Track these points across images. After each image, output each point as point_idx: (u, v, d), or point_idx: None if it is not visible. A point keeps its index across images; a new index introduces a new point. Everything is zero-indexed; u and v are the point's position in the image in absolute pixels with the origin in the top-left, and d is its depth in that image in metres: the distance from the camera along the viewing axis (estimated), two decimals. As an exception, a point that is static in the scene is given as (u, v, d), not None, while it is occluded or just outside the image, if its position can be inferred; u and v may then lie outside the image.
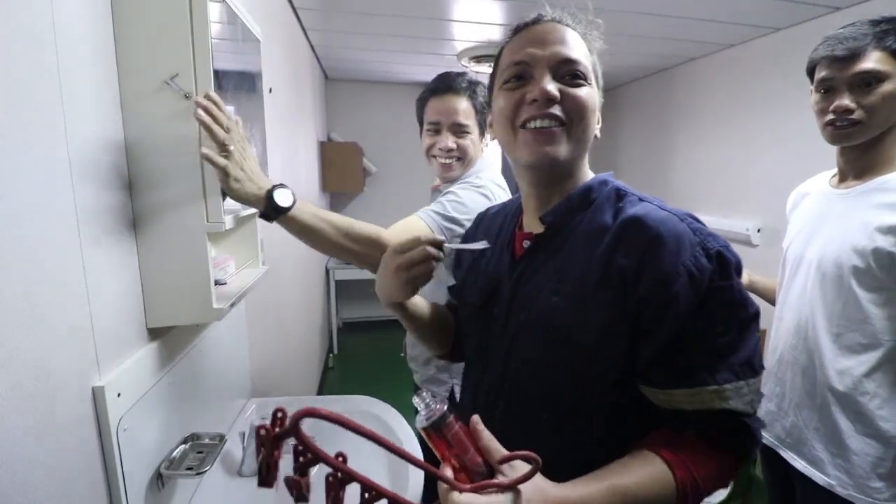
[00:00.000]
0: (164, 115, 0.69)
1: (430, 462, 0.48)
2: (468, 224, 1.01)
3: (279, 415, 0.39)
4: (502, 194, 1.20)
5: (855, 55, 0.89)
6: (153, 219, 0.71)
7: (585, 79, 0.61)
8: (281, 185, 0.77)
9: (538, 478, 0.49)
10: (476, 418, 0.52)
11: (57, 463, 0.54)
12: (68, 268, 0.57)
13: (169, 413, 0.79)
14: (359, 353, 3.58)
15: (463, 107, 1.18)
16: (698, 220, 0.58)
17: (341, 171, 3.44)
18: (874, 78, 0.88)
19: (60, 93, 0.56)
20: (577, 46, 0.61)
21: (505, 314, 0.66)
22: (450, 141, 1.18)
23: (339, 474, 0.41)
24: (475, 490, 0.47)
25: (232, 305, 0.80)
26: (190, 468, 0.76)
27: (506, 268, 0.69)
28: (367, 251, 0.89)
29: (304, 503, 0.40)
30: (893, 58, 0.87)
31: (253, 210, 0.91)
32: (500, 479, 0.47)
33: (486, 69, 3.05)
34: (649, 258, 0.54)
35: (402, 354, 1.41)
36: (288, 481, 0.39)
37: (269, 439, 0.37)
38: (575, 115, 0.60)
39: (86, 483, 0.60)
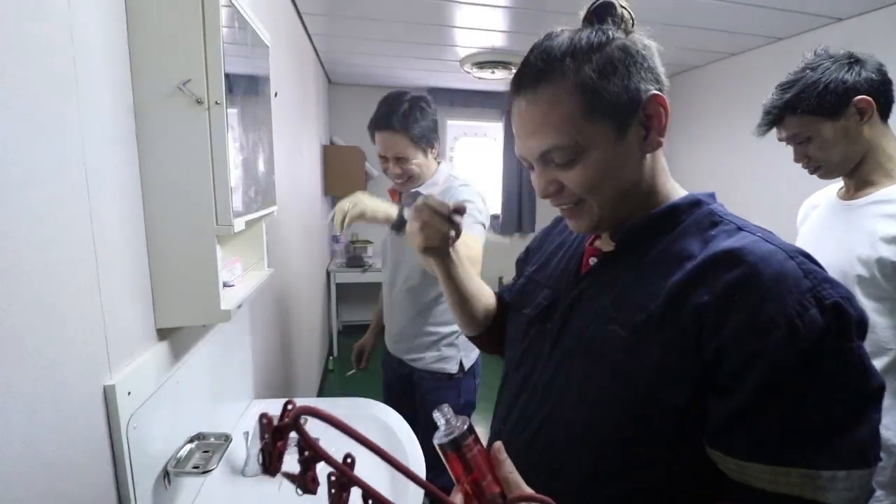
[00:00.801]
0: (176, 120, 0.71)
1: (439, 475, 0.46)
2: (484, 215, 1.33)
3: (288, 406, 0.39)
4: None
5: (776, 125, 0.99)
6: (163, 221, 0.73)
7: (575, 155, 0.52)
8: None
9: None
10: (498, 445, 0.46)
11: (68, 460, 0.55)
12: (81, 270, 0.58)
13: (176, 412, 0.80)
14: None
15: (401, 142, 1.35)
16: (814, 260, 0.48)
17: (343, 174, 3.46)
18: (802, 138, 0.96)
19: (77, 101, 0.57)
20: (552, 122, 0.52)
21: (556, 332, 0.61)
22: (397, 169, 1.38)
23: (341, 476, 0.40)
24: None
25: (239, 307, 0.81)
26: (196, 467, 0.77)
27: (568, 283, 0.64)
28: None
29: (311, 494, 0.41)
30: (808, 114, 0.93)
31: (260, 213, 0.93)
32: None
33: (488, 75, 3.08)
34: (739, 300, 0.45)
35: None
36: (287, 475, 0.38)
37: (269, 429, 0.38)
38: (582, 192, 0.55)
39: (96, 480, 0.61)
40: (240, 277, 0.93)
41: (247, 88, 0.89)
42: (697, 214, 0.56)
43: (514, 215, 4.32)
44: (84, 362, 0.59)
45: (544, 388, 0.60)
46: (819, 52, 0.96)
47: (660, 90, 0.53)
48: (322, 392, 2.96)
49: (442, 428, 0.46)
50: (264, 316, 1.53)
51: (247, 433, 1.00)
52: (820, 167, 0.99)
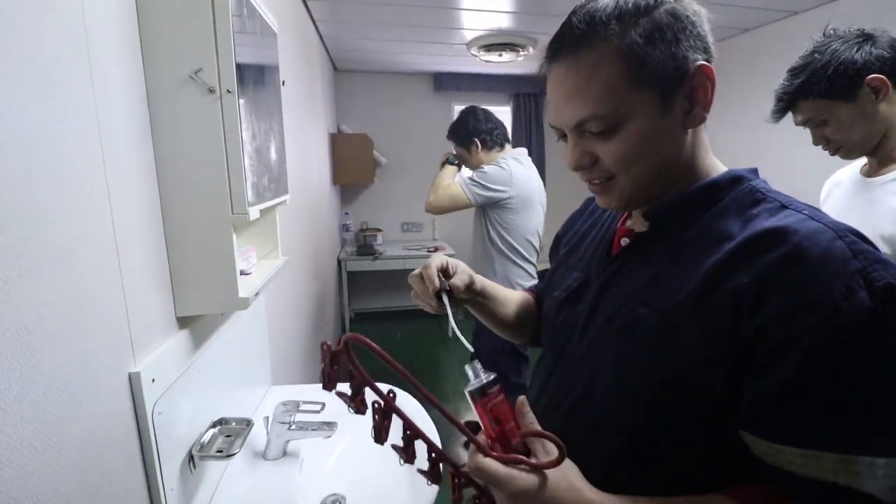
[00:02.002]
0: (188, 109, 0.71)
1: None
2: (493, 187, 1.82)
3: (342, 336, 0.47)
4: (515, 164, 1.88)
5: (790, 110, 0.98)
6: (180, 211, 0.73)
7: (614, 125, 0.50)
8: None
9: (574, 474, 0.47)
10: (522, 399, 0.50)
11: (98, 446, 0.57)
12: (104, 260, 0.59)
13: (198, 398, 0.82)
14: (371, 343, 3.63)
15: (454, 148, 2.04)
16: (865, 239, 0.45)
17: (352, 162, 3.46)
18: (818, 121, 0.94)
19: (93, 92, 0.58)
20: (593, 90, 0.50)
21: (586, 315, 0.60)
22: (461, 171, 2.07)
23: (383, 405, 0.49)
24: (501, 460, 0.47)
25: (256, 295, 0.82)
26: (220, 451, 0.79)
27: (599, 265, 0.62)
28: None
29: (360, 415, 0.50)
30: (821, 98, 0.92)
31: (274, 202, 0.94)
32: (531, 459, 0.47)
33: (495, 58, 3.04)
34: (780, 279, 0.43)
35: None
36: (341, 394, 0.49)
37: (327, 354, 0.47)
38: (616, 167, 0.53)
39: (125, 467, 0.63)
40: (255, 266, 0.94)
41: (257, 77, 0.88)
42: (738, 192, 0.53)
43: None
44: (111, 350, 0.60)
45: (576, 369, 0.59)
46: (828, 33, 0.94)
47: (707, 60, 0.50)
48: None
49: (471, 379, 0.51)
50: (279, 304, 1.55)
51: (267, 418, 1.03)
52: (840, 148, 0.98)
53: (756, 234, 0.47)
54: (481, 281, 0.77)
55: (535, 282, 0.88)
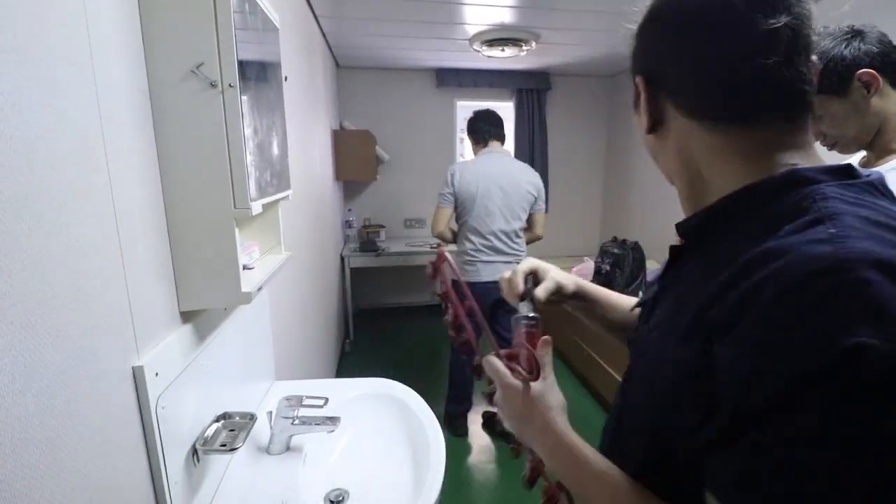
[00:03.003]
0: (190, 104, 0.71)
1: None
2: (442, 191, 2.23)
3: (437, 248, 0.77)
4: (469, 164, 2.27)
5: None
6: (183, 205, 0.74)
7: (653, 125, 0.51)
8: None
9: (554, 398, 0.55)
10: (547, 338, 0.59)
11: (102, 440, 0.57)
12: (106, 253, 0.59)
13: (201, 392, 0.82)
14: (374, 339, 3.63)
15: None
16: None
17: (354, 159, 3.45)
18: (814, 117, 0.94)
19: (95, 85, 0.58)
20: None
21: (643, 330, 0.57)
22: None
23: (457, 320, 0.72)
24: (503, 362, 0.59)
25: (259, 290, 0.82)
26: (223, 445, 0.79)
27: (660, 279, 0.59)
28: None
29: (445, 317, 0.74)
30: (815, 93, 0.92)
31: (276, 197, 0.94)
32: (520, 370, 0.56)
33: (498, 53, 3.02)
34: (747, 312, 0.36)
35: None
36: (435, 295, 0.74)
37: (432, 263, 0.74)
38: (666, 174, 0.55)
39: (129, 460, 0.63)
40: (258, 261, 0.94)
41: (259, 71, 0.88)
42: (793, 197, 0.41)
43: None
44: (114, 344, 0.60)
45: (626, 382, 0.58)
46: (818, 32, 0.94)
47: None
48: (339, 374, 3.02)
49: (520, 311, 0.64)
50: (282, 299, 1.55)
51: (270, 413, 1.03)
52: (836, 143, 0.99)
53: (751, 256, 0.38)
54: (579, 285, 0.76)
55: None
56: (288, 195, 1.03)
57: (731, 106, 0.45)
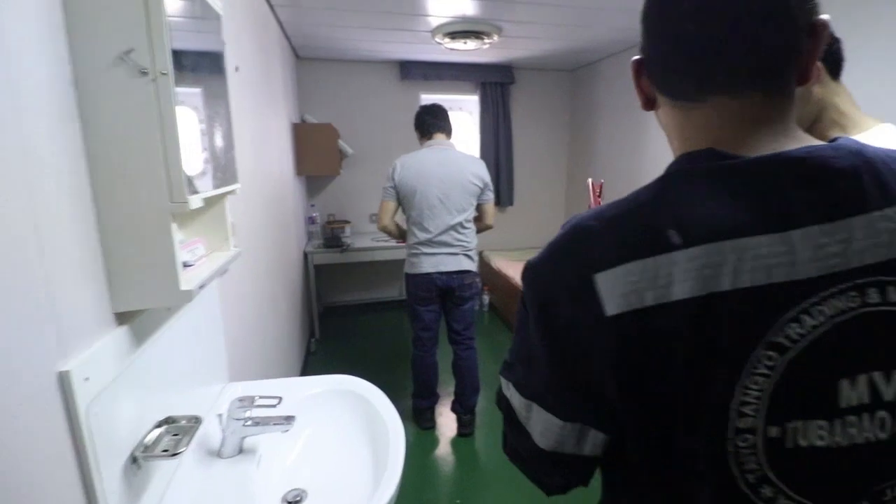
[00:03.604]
0: (119, 92, 0.67)
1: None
2: (385, 185, 2.24)
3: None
4: (409, 157, 2.23)
5: None
6: (114, 199, 0.69)
7: None
8: None
9: None
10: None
11: (25, 450, 0.54)
12: (24, 252, 0.55)
13: (142, 397, 0.79)
14: (340, 337, 3.58)
15: None
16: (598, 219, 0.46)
17: (317, 153, 3.38)
18: None
19: (8, 75, 0.53)
20: None
21: None
22: None
23: None
24: None
25: (201, 287, 0.79)
26: (165, 450, 0.76)
27: None
28: None
29: None
30: None
31: (220, 191, 0.90)
32: None
33: (460, 46, 3.01)
34: None
35: None
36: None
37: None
38: None
39: (58, 471, 0.60)
40: (202, 258, 0.91)
41: (198, 60, 0.84)
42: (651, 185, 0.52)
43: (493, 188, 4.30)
44: (34, 347, 0.56)
45: None
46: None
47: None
48: (305, 372, 2.96)
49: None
50: (238, 298, 1.50)
51: (220, 415, 0.99)
52: None
53: None
54: None
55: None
56: (234, 189, 0.99)
57: (669, 84, 0.49)
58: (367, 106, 3.94)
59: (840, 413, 0.38)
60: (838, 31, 0.96)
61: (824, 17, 0.42)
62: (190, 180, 0.74)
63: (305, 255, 3.44)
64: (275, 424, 0.98)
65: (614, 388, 0.42)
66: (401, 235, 2.35)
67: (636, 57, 0.53)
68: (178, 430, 0.80)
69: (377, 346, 3.43)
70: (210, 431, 1.02)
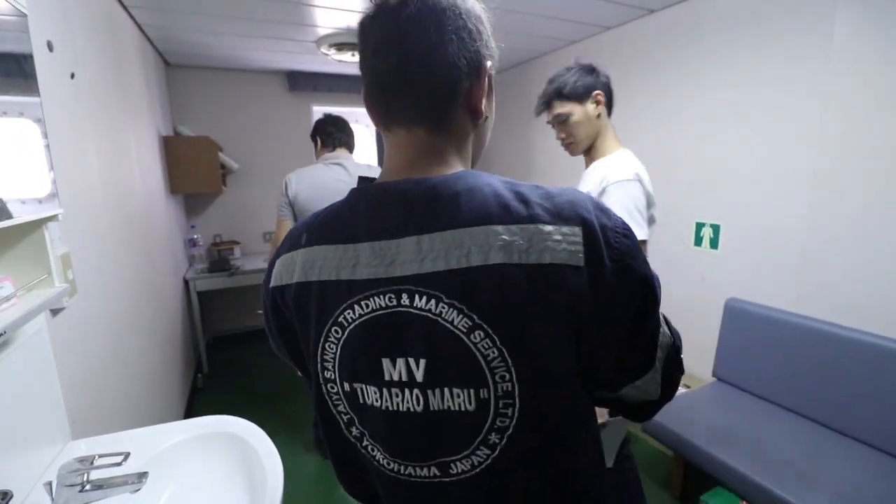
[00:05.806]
0: None
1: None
2: (283, 196, 2.02)
3: None
4: (306, 171, 2.07)
5: (547, 108, 1.35)
6: None
7: None
8: None
9: None
10: None
11: None
12: None
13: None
14: (232, 370, 3.27)
15: None
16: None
17: (194, 169, 3.07)
18: (565, 116, 1.31)
19: None
20: None
21: None
22: None
23: None
24: None
25: (2, 335, 0.65)
26: (-47, 546, 0.60)
27: None
28: None
29: None
30: (568, 100, 1.30)
31: (33, 218, 0.76)
32: None
33: (348, 57, 2.96)
34: None
35: None
36: None
37: None
38: None
39: None
40: (11, 298, 0.75)
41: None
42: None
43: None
44: None
45: None
46: (572, 65, 1.33)
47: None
48: (190, 414, 2.65)
49: None
50: (84, 339, 1.28)
51: (49, 483, 0.83)
52: (571, 143, 1.34)
53: None
54: None
55: None
56: (56, 216, 0.84)
57: (372, 112, 0.56)
58: (254, 118, 3.71)
59: (387, 384, 0.49)
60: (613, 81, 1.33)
61: (488, 63, 0.52)
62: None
63: (186, 282, 3.10)
64: (122, 485, 0.84)
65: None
66: None
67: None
68: (-25, 515, 0.65)
69: (274, 377, 3.17)
70: (39, 502, 0.84)
